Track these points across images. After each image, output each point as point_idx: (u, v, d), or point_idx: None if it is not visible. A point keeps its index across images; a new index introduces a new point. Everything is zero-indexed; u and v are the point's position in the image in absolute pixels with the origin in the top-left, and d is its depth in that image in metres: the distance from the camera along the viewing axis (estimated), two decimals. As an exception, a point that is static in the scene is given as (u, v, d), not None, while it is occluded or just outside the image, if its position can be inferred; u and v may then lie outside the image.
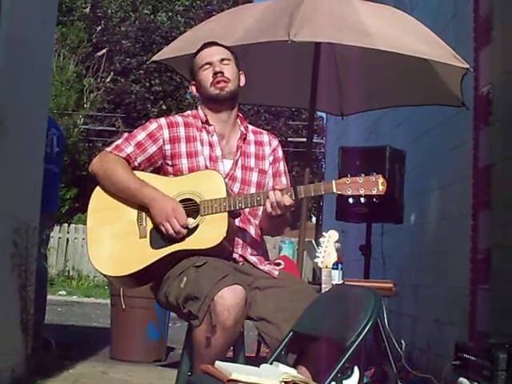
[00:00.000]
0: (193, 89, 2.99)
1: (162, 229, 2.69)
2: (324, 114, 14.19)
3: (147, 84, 20.47)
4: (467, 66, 4.14)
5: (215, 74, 2.86)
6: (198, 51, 2.98)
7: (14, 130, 3.92)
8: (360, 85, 4.86)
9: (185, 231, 2.68)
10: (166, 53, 4.60)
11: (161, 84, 20.30)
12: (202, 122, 2.91)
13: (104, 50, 20.54)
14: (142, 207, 2.76)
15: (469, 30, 4.86)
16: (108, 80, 20.95)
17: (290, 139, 21.84)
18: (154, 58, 4.70)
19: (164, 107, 20.21)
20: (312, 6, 4.13)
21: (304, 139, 15.89)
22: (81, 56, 19.65)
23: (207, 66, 2.89)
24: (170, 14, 21.33)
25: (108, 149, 2.87)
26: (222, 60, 2.90)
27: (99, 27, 21.04)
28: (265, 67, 4.83)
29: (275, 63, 4.93)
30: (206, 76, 2.89)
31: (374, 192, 2.63)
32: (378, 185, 2.64)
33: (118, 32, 20.82)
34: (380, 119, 7.34)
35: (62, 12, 17.88)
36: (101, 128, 20.73)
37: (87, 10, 20.72)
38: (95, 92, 20.43)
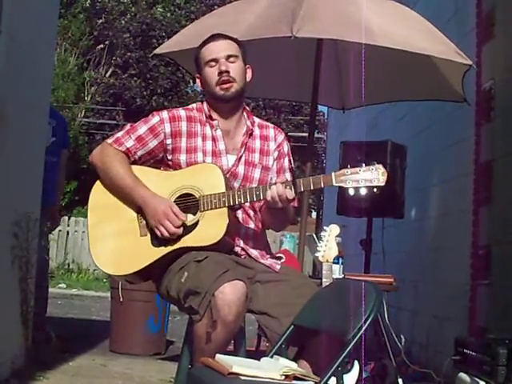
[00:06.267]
0: (198, 82, 2.94)
1: (157, 232, 2.68)
2: (325, 109, 14.19)
3: (147, 77, 20.41)
4: (470, 62, 4.12)
5: (220, 72, 2.80)
6: (204, 43, 2.91)
7: (15, 123, 3.92)
8: (361, 79, 4.84)
9: (180, 231, 2.66)
10: (168, 46, 4.58)
11: (156, 80, 20.22)
12: (206, 117, 2.87)
13: (104, 43, 20.49)
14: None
15: (471, 25, 4.85)
16: (108, 74, 20.89)
17: (290, 134, 21.81)
18: (157, 50, 4.69)
19: (166, 103, 20.15)
20: (314, 2, 4.12)
21: (305, 134, 15.87)
22: (82, 49, 19.59)
23: (213, 64, 2.83)
24: (171, 8, 21.23)
25: (109, 141, 2.86)
26: (229, 57, 2.83)
27: (100, 20, 20.97)
28: (267, 61, 4.82)
29: (277, 57, 4.92)
30: (212, 74, 2.83)
31: (375, 183, 2.59)
32: (378, 176, 2.59)
33: (118, 25, 20.76)
34: (381, 114, 7.33)
35: (63, 5, 17.83)
36: (101, 121, 20.70)
37: (87, 3, 20.64)
38: (95, 85, 20.38)
